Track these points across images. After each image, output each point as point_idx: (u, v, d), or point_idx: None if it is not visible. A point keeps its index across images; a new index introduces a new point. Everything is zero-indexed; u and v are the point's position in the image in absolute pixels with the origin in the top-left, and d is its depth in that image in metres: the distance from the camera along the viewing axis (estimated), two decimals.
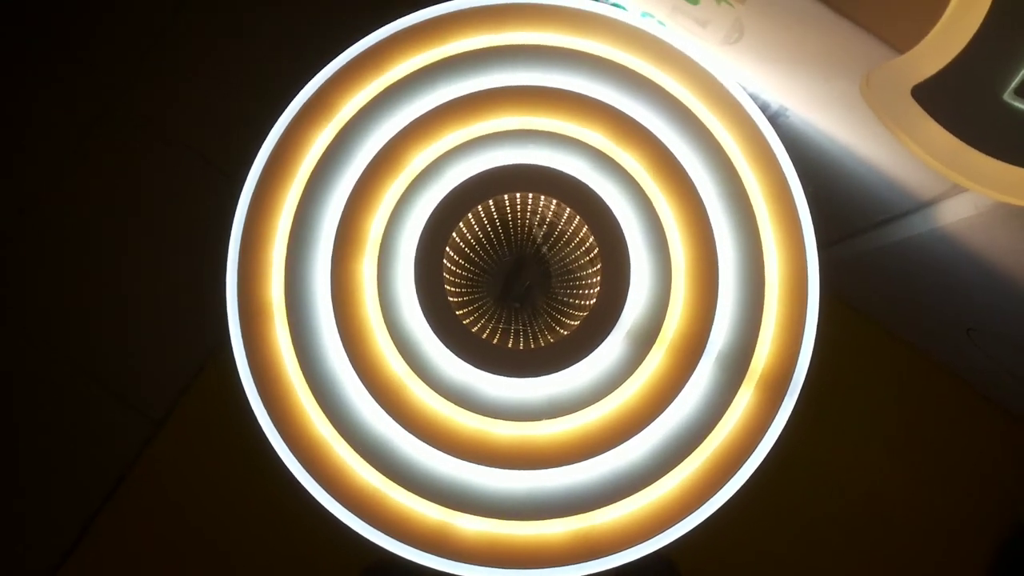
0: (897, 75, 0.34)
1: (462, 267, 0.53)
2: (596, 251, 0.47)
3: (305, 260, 0.47)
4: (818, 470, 0.79)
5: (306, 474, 0.46)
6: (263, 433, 0.46)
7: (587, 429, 0.45)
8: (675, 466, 0.45)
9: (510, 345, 0.47)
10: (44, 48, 0.85)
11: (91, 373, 0.79)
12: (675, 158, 0.48)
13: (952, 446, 0.79)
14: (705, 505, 0.45)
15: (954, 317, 0.64)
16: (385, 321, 0.46)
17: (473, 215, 0.48)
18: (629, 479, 0.45)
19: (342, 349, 0.46)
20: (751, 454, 0.46)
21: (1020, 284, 0.47)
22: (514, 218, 0.52)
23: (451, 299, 0.47)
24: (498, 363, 0.45)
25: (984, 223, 0.44)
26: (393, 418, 0.45)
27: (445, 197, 0.46)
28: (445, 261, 0.47)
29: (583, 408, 0.45)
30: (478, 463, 0.45)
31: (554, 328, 0.52)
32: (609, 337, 0.45)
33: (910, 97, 0.33)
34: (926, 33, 0.33)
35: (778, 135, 0.49)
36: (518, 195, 0.48)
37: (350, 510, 0.45)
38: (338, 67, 0.50)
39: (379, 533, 0.45)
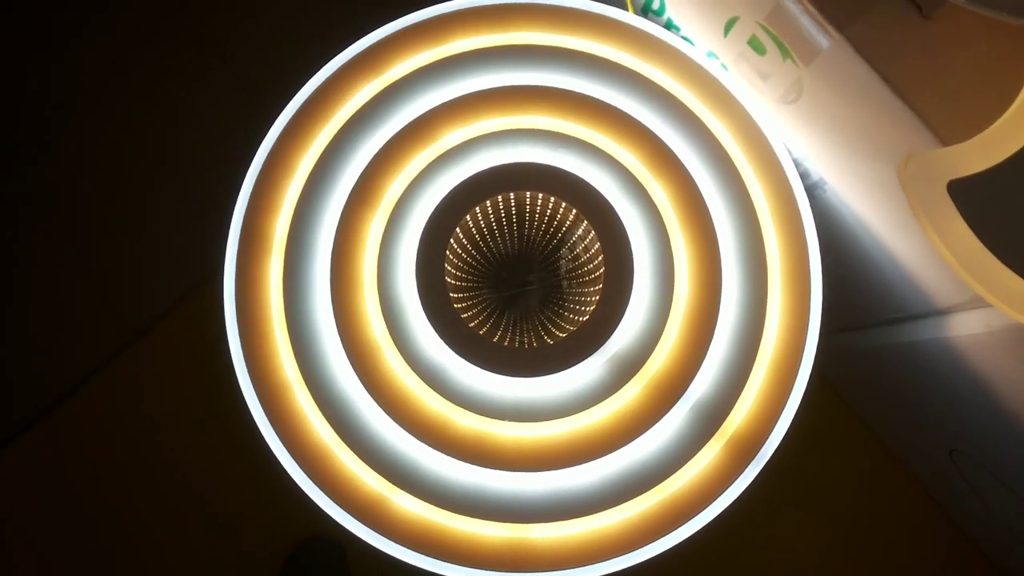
0: (937, 165, 0.33)
1: (467, 252, 0.53)
2: (602, 270, 0.47)
3: (318, 204, 0.47)
4: (760, 541, 0.77)
5: (264, 417, 0.45)
6: (232, 361, 0.46)
7: (546, 441, 0.45)
8: (625, 501, 0.45)
9: (494, 340, 0.47)
10: None
11: (87, 268, 0.80)
12: (704, 200, 0.48)
13: (903, 555, 0.78)
14: (647, 547, 0.44)
15: (940, 434, 0.63)
16: (378, 282, 0.46)
17: (491, 203, 0.47)
18: (575, 501, 0.44)
19: (328, 298, 0.46)
20: (704, 509, 0.45)
21: (1014, 413, 0.46)
22: (531, 217, 0.52)
23: (448, 279, 0.47)
24: (476, 353, 0.44)
25: (992, 343, 0.43)
26: (360, 380, 0.45)
27: (469, 178, 0.46)
28: (453, 241, 0.47)
29: (547, 419, 0.45)
30: (431, 446, 0.44)
31: (540, 335, 0.52)
32: (591, 357, 0.45)
33: (944, 190, 0.33)
34: (974, 135, 0.32)
35: (811, 206, 0.49)
36: (540, 196, 0.47)
37: (298, 463, 0.45)
38: (397, 28, 0.50)
39: (320, 492, 0.45)
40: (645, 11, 0.54)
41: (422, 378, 0.45)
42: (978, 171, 0.32)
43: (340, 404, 0.45)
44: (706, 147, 0.48)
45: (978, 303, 0.45)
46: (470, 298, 0.53)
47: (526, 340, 0.51)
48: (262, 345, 0.46)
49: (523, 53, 0.49)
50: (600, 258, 0.46)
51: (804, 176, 0.51)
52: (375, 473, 0.45)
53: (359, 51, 0.50)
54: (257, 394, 0.45)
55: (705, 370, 0.46)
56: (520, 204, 0.49)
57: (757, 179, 0.49)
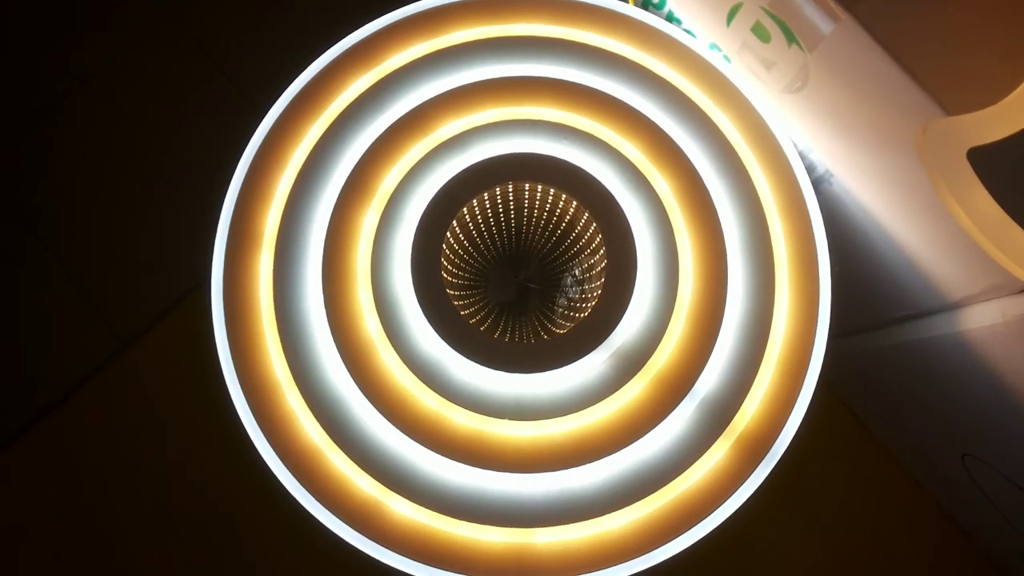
0: (957, 132, 0.32)
1: (464, 247, 0.51)
2: (604, 264, 0.45)
3: (310, 197, 0.46)
4: (763, 547, 0.75)
5: (251, 417, 0.43)
6: (219, 358, 0.44)
7: (548, 440, 0.43)
8: (632, 503, 0.43)
9: (494, 336, 0.45)
10: None
11: (74, 276, 0.78)
12: (708, 192, 0.46)
13: (910, 565, 0.76)
14: (656, 551, 0.42)
15: (952, 439, 0.61)
16: (372, 276, 0.44)
17: (489, 196, 0.46)
18: (580, 504, 0.42)
19: (320, 293, 0.44)
20: (714, 510, 0.43)
21: None
22: (530, 210, 0.50)
23: (444, 275, 0.45)
24: (474, 348, 0.43)
25: (1009, 333, 0.42)
26: (353, 378, 0.43)
27: (467, 168, 0.45)
28: (449, 235, 0.45)
29: (549, 417, 0.43)
30: (428, 447, 0.42)
31: (539, 330, 0.50)
32: (594, 352, 0.43)
33: (965, 158, 0.32)
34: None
35: (818, 201, 0.47)
36: (539, 188, 0.46)
37: (288, 467, 0.43)
38: (392, 20, 0.49)
39: (311, 499, 0.43)
40: (645, 5, 0.53)
41: (418, 375, 0.43)
42: (998, 139, 0.31)
43: (332, 404, 0.43)
44: (709, 139, 0.47)
45: (992, 293, 0.44)
46: (468, 296, 0.51)
47: (526, 336, 0.49)
48: (250, 343, 0.44)
49: (522, 44, 0.48)
50: (602, 251, 0.44)
51: (810, 169, 0.50)
52: (369, 476, 0.43)
53: (353, 43, 0.48)
54: (244, 394, 0.43)
55: (712, 365, 0.44)
56: (519, 197, 0.48)
57: (762, 170, 0.48)
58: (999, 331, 0.43)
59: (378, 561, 0.42)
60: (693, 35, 0.51)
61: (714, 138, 0.48)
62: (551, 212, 0.50)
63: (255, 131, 0.47)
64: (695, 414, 0.44)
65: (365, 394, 0.43)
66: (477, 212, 0.48)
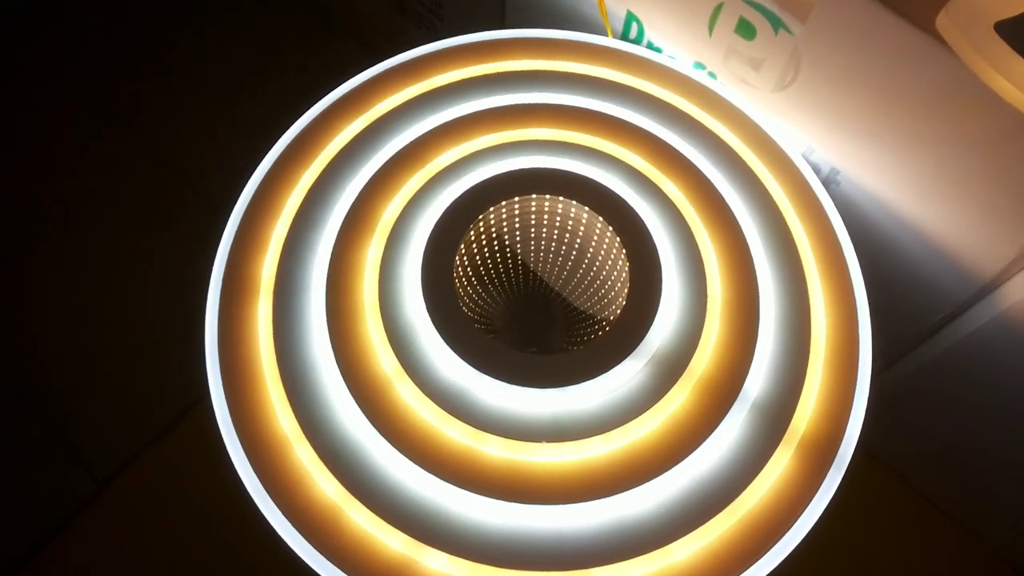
0: (979, 8, 0.31)
1: (475, 266, 0.48)
2: (627, 269, 0.42)
3: (307, 238, 0.43)
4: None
5: (255, 480, 0.38)
6: (217, 419, 0.40)
7: (593, 463, 0.38)
8: (695, 528, 0.37)
9: (519, 352, 0.41)
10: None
11: (47, 421, 0.73)
12: (719, 193, 0.45)
13: None
14: None
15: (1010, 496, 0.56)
16: (380, 309, 0.41)
17: (495, 215, 0.44)
18: (639, 534, 0.37)
19: (326, 334, 0.40)
20: (790, 527, 0.38)
21: None
22: (539, 224, 0.48)
23: (459, 296, 0.42)
24: (500, 366, 0.39)
25: None
26: (369, 419, 0.38)
27: (472, 187, 0.43)
28: (460, 257, 0.43)
29: (591, 436, 0.38)
30: (460, 486, 0.37)
31: (569, 339, 0.46)
32: (631, 357, 0.39)
33: (993, 31, 0.30)
34: None
35: None
36: (546, 202, 0.44)
37: (301, 531, 0.37)
38: (379, 71, 0.49)
39: (328, 564, 0.37)
40: (624, 39, 0.55)
41: (442, 406, 0.39)
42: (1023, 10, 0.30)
43: (348, 453, 0.39)
44: (709, 146, 0.47)
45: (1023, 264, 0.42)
46: (484, 311, 0.48)
47: (554, 347, 0.45)
48: (251, 398, 0.40)
49: (511, 78, 0.49)
50: (623, 253, 0.42)
51: (815, 170, 0.49)
52: (397, 531, 0.37)
53: (341, 95, 0.48)
54: (247, 454, 0.39)
55: (757, 366, 0.41)
56: (526, 215, 0.46)
57: (767, 168, 0.47)
58: None
59: None
60: (673, 58, 0.52)
61: (713, 144, 0.47)
62: (562, 224, 0.47)
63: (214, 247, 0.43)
64: (749, 420, 0.40)
65: (384, 435, 0.38)
66: (483, 233, 0.45)
